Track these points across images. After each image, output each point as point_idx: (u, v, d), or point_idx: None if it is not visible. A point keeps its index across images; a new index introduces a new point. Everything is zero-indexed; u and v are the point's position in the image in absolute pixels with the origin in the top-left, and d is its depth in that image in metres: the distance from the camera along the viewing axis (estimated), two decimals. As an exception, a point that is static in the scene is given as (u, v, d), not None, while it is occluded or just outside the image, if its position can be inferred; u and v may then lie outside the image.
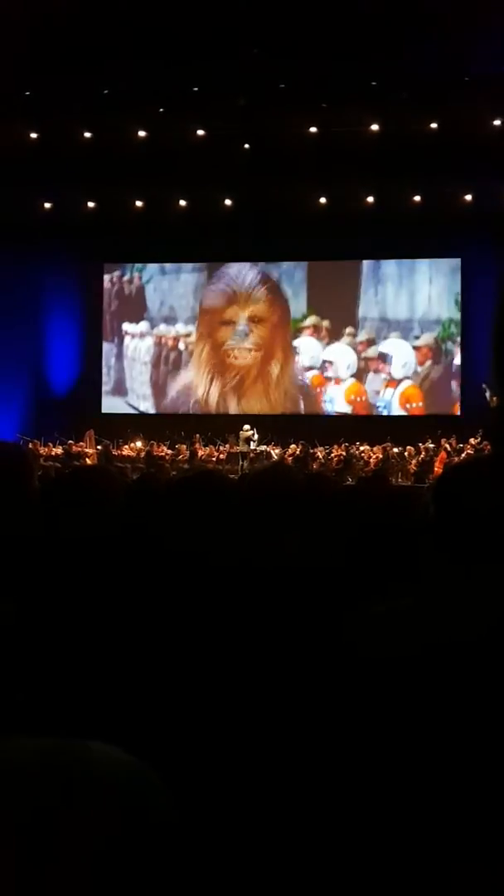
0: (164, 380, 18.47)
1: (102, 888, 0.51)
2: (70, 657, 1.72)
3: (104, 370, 18.55)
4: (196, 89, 13.41)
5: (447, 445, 14.98)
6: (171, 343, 18.49)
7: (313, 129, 14.05)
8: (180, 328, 18.47)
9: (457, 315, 17.28)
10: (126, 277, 18.65)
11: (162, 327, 18.57)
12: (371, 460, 15.05)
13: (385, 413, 17.56)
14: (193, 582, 1.79)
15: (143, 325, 18.61)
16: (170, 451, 16.02)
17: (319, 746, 1.32)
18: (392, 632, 1.17)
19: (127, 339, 18.62)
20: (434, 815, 1.06)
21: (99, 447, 16.00)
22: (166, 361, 18.51)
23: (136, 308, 18.61)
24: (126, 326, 18.63)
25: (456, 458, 13.01)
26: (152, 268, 18.47)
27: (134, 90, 13.23)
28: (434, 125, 13.75)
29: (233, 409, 17.87)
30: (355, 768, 1.13)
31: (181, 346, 18.44)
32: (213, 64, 12.43)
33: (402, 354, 17.64)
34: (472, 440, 14.75)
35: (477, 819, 1.05)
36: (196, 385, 18.23)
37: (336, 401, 17.87)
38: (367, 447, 15.68)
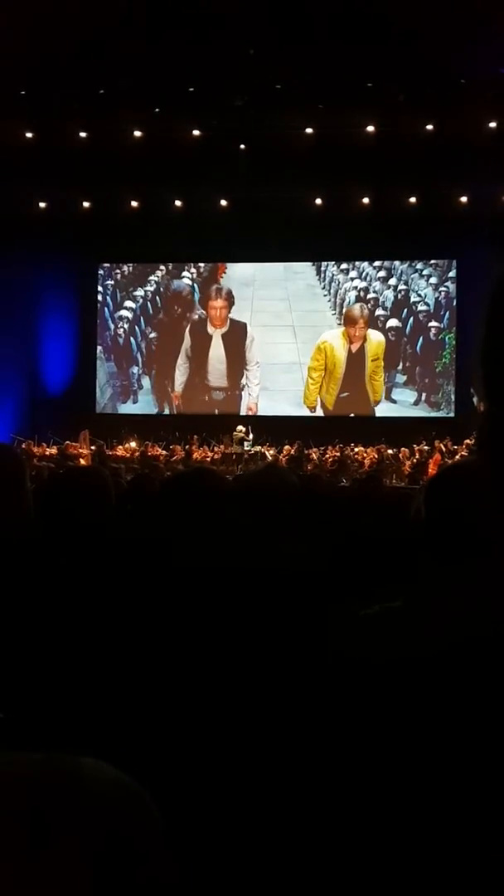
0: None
1: None
2: (60, 662, 1.71)
3: (98, 369, 18.54)
4: (192, 89, 13.40)
5: (442, 447, 14.99)
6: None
7: (309, 130, 14.04)
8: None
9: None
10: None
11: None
12: (365, 461, 15.04)
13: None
14: (185, 583, 1.78)
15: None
16: (164, 452, 15.97)
17: (310, 749, 1.31)
18: (382, 634, 1.17)
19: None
20: (426, 821, 1.06)
21: (93, 447, 15.95)
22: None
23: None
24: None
25: (450, 460, 13.01)
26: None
27: (130, 90, 13.22)
28: (430, 127, 13.75)
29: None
30: (346, 771, 1.13)
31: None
32: (210, 64, 12.42)
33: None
34: (466, 442, 14.75)
35: (470, 825, 1.04)
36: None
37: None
38: (362, 448, 15.67)
